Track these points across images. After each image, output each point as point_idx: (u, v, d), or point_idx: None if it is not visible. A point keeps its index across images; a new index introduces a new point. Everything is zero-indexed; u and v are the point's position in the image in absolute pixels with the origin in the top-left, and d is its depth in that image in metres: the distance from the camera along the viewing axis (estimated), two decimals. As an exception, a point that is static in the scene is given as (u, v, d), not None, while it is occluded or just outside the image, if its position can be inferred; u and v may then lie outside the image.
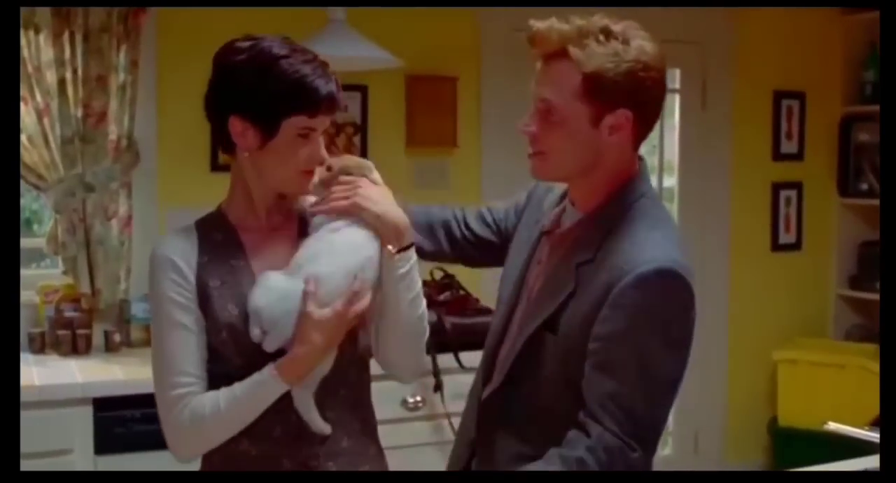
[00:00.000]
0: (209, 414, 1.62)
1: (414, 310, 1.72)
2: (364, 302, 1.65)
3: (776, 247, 4.53)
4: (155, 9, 3.27)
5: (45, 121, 3.11)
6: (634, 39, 1.60)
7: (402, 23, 3.62)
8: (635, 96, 1.61)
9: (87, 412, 2.76)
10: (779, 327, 4.50)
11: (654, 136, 4.58)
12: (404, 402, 3.08)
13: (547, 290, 1.70)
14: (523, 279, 1.81)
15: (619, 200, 1.68)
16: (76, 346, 3.14)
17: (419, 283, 1.74)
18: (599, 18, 1.61)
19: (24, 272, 3.30)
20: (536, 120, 1.67)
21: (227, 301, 1.66)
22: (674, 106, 4.36)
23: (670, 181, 4.44)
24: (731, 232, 4.42)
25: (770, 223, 4.50)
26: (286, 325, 1.62)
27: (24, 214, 3.64)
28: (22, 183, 3.14)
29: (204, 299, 1.66)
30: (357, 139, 3.65)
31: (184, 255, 1.67)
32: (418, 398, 3.10)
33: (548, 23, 1.62)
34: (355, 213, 1.70)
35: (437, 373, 3.07)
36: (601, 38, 1.59)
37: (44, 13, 3.08)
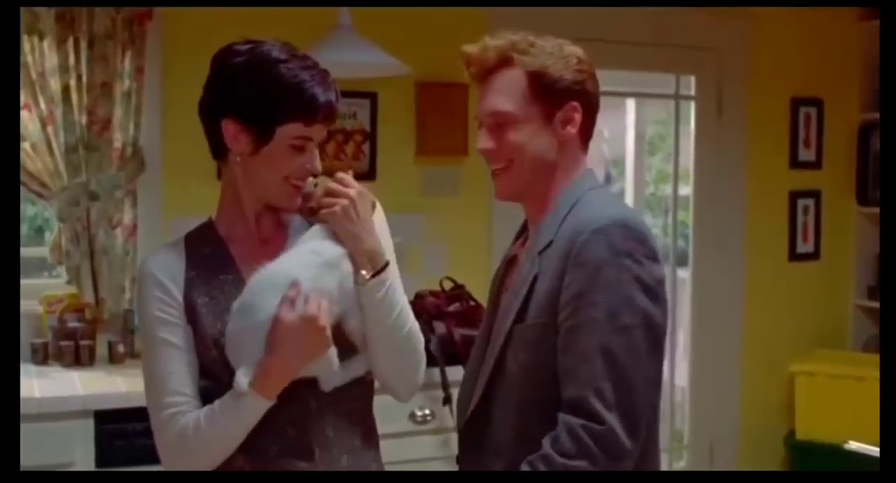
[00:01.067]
0: (192, 432, 1.57)
1: (398, 330, 1.66)
2: (323, 301, 1.56)
3: (793, 256, 4.45)
4: (160, 15, 3.23)
5: (49, 128, 3.07)
6: (559, 42, 1.71)
7: (411, 29, 3.58)
8: (578, 87, 1.69)
9: (89, 425, 2.70)
10: (796, 338, 4.42)
11: (669, 143, 4.53)
12: (412, 416, 3.02)
13: (514, 289, 1.69)
14: (496, 305, 1.78)
15: (571, 192, 1.69)
16: (79, 358, 3.09)
17: (400, 302, 1.67)
18: (525, 35, 1.71)
19: (32, 281, 3.26)
20: (489, 136, 1.71)
21: (215, 318, 1.61)
22: (689, 113, 4.30)
23: (686, 189, 4.38)
24: (748, 241, 4.34)
25: (787, 232, 4.43)
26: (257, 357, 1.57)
27: (35, 223, 3.61)
28: (27, 191, 3.09)
29: (192, 316, 1.61)
30: (366, 147, 3.60)
31: (170, 271, 1.63)
32: (427, 411, 3.04)
33: (481, 42, 1.71)
34: (334, 222, 1.63)
35: (445, 386, 3.00)
36: (534, 45, 1.68)
37: (48, 19, 3.04)
